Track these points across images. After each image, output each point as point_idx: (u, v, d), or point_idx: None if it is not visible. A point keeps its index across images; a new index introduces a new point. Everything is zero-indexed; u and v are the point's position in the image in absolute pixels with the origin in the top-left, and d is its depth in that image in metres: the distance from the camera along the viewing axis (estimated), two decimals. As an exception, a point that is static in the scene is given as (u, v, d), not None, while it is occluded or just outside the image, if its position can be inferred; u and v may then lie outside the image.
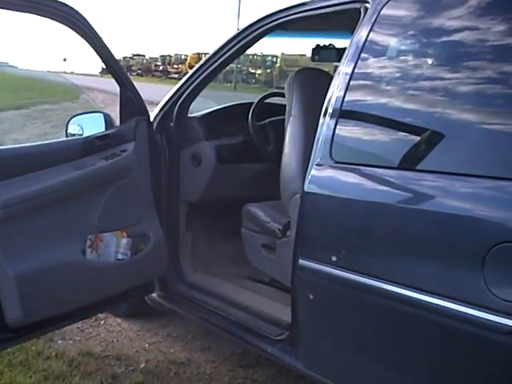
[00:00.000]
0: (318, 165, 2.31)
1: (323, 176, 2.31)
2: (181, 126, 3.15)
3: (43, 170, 2.50)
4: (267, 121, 3.26)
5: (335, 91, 2.32)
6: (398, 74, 2.24)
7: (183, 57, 45.67)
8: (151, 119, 3.13)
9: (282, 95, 3.25)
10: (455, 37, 2.13)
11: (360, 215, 2.17)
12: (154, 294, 3.20)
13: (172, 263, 3.19)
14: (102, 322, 3.48)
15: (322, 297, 2.32)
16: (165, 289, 3.18)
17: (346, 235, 2.21)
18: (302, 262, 2.32)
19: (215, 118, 3.33)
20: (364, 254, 2.16)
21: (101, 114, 3.02)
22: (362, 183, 2.22)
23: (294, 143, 2.77)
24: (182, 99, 3.11)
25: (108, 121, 2.97)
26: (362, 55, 2.30)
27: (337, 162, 2.26)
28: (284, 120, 2.98)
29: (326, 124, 2.32)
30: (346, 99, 2.28)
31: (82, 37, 2.69)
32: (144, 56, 55.24)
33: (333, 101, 2.31)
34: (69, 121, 3.02)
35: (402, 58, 2.28)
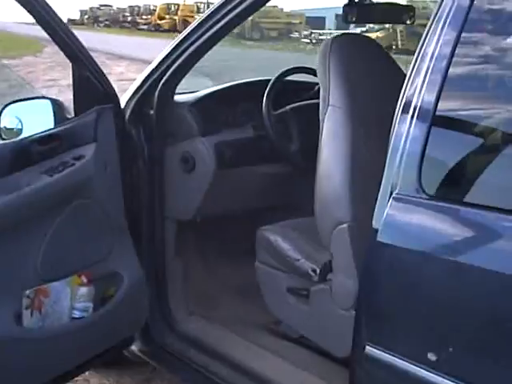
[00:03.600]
0: (397, 199, 1.41)
1: (408, 220, 1.42)
2: (165, 116, 2.23)
3: None
4: (288, 108, 2.34)
5: (421, 81, 1.42)
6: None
7: (152, 7, 43.97)
8: (122, 105, 2.20)
9: (310, 72, 2.35)
10: None
11: (482, 291, 1.29)
12: (133, 347, 2.32)
13: (158, 304, 2.31)
14: (63, 377, 2.57)
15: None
16: (148, 341, 2.30)
17: (454, 321, 1.33)
18: (371, 351, 1.45)
19: (214, 103, 2.38)
20: (487, 355, 1.29)
21: (47, 101, 2.09)
22: (482, 238, 1.33)
23: (337, 147, 1.87)
24: (166, 77, 2.17)
25: (59, 112, 2.05)
26: (468, 25, 1.39)
27: (432, 198, 1.37)
28: (311, 106, 2.16)
29: (407, 133, 1.42)
30: (443, 95, 1.38)
31: None
32: (111, 6, 53.35)
33: (418, 96, 1.41)
34: (1, 111, 2.07)
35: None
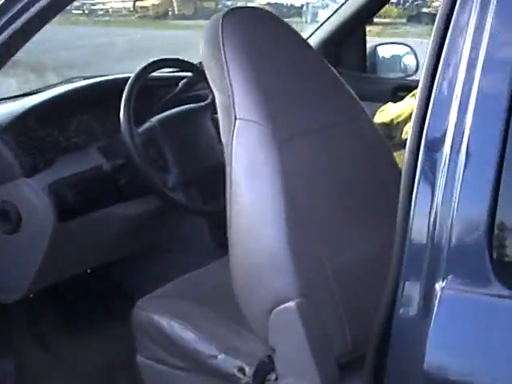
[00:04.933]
0: (448, 297, 0.81)
1: (482, 335, 0.82)
2: None
3: None
4: (154, 121, 1.61)
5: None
6: None
7: None
8: None
9: (183, 66, 1.70)
10: None
11: None
12: None
13: None
14: None
15: None
16: None
17: None
18: None
19: (38, 121, 1.58)
20: None
21: None
22: None
23: (262, 181, 1.21)
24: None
25: None
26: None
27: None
28: (185, 115, 1.66)
29: (445, 171, 0.83)
30: None
31: None
32: None
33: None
34: None
35: None
